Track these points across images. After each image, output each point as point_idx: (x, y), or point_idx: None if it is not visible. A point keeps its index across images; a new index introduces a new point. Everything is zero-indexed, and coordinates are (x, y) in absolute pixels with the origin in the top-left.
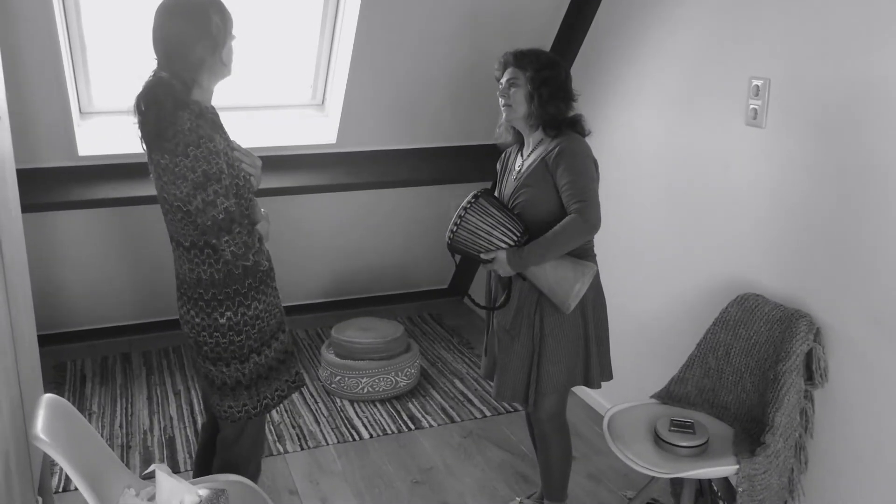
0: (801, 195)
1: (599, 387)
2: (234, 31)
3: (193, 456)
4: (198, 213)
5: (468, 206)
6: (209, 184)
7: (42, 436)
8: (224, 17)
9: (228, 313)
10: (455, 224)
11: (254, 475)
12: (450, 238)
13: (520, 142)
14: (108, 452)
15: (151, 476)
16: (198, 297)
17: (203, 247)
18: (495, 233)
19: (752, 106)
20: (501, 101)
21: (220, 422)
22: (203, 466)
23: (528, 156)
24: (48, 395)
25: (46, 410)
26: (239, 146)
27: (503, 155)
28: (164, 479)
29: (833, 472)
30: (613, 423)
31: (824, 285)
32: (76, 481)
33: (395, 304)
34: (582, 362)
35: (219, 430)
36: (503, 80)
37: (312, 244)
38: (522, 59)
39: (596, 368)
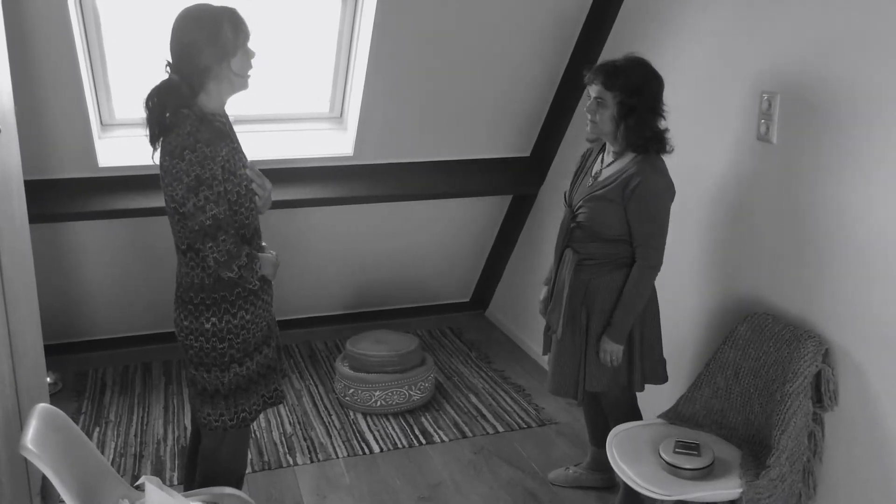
0: (814, 213)
1: (642, 389)
2: (251, 45)
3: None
4: (189, 216)
5: None
6: (200, 188)
7: (30, 446)
8: (237, 29)
9: (214, 319)
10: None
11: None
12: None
13: (602, 144)
14: (103, 463)
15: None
16: (188, 300)
17: (198, 250)
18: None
19: (762, 121)
20: (588, 115)
21: (202, 431)
22: (191, 478)
23: (609, 165)
24: (42, 406)
25: (38, 421)
26: (253, 167)
27: (586, 151)
28: (154, 493)
29: (842, 498)
30: (619, 442)
31: (836, 306)
32: (62, 493)
33: (415, 317)
34: (626, 365)
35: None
36: (591, 94)
37: (331, 256)
38: (612, 81)
39: (638, 373)
